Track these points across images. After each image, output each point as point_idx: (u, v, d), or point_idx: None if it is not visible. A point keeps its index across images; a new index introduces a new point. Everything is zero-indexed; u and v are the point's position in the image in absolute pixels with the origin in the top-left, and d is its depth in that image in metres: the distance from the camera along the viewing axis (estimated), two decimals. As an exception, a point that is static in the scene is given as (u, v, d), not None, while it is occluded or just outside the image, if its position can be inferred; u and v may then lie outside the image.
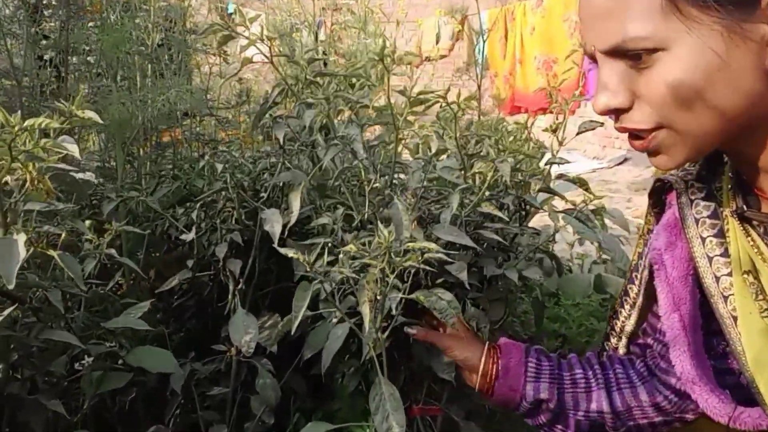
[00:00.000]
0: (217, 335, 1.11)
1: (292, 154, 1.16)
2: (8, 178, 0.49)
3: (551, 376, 0.82)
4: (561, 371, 0.82)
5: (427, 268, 0.76)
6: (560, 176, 1.25)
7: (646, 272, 0.77)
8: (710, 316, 0.69)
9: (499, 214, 1.00)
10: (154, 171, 1.31)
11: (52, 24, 1.31)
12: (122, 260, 0.78)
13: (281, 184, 1.15)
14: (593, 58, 0.62)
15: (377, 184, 1.03)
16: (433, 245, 0.71)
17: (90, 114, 0.61)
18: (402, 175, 1.15)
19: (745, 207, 0.66)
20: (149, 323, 0.98)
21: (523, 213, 1.22)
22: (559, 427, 0.81)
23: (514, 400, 0.81)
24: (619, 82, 0.59)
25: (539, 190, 1.21)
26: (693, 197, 0.71)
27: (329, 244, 0.95)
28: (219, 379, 1.07)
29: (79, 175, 0.67)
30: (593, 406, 0.79)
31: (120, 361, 0.87)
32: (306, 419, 1.11)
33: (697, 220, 0.70)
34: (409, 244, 0.71)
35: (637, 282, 0.80)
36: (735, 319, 0.65)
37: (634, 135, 0.61)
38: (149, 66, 1.47)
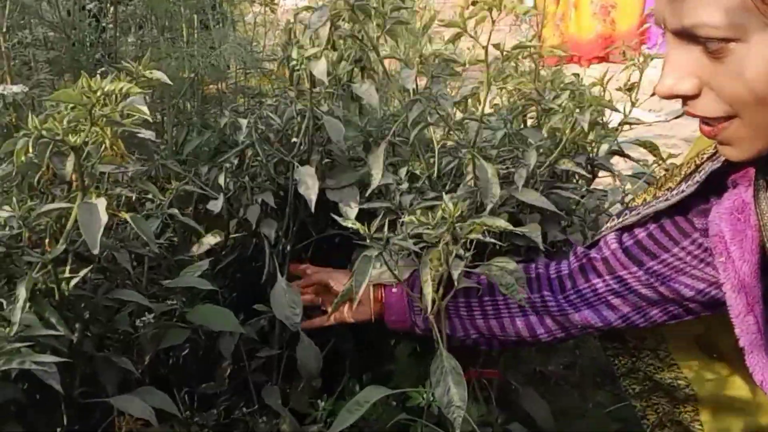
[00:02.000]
0: (262, 292, 1.13)
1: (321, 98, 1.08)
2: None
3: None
4: (455, 299, 0.90)
5: (492, 240, 0.76)
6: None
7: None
8: None
9: (581, 171, 0.98)
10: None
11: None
12: (185, 220, 0.79)
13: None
14: (663, 28, 0.60)
15: (450, 142, 1.01)
16: (501, 222, 0.70)
17: (158, 74, 0.61)
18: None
19: None
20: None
21: (590, 176, 1.20)
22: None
23: (407, 327, 0.93)
24: (688, 67, 0.57)
25: (610, 152, 1.18)
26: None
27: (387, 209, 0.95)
28: (266, 339, 1.09)
29: (141, 134, 0.68)
30: (495, 331, 0.90)
31: (175, 319, 0.90)
32: (356, 382, 1.13)
33: None
34: (474, 220, 0.70)
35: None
36: None
37: (704, 120, 0.60)
38: (195, 16, 1.47)
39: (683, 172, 0.79)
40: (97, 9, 1.33)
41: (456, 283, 0.81)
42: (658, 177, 0.99)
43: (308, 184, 0.94)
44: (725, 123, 0.58)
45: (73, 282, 0.58)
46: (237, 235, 1.07)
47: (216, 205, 0.97)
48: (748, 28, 0.52)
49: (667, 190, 0.81)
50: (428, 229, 0.74)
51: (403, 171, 1.04)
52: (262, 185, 1.04)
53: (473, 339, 0.92)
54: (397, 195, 0.95)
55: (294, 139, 1.04)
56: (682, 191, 0.76)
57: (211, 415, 0.98)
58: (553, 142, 1.04)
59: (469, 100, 1.31)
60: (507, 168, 1.03)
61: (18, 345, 0.49)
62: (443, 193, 1.03)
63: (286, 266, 1.06)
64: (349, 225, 0.79)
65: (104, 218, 0.49)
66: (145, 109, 0.57)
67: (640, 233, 0.83)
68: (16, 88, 0.69)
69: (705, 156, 0.76)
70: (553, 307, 0.87)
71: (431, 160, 1.02)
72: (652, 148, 1.24)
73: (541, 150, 1.01)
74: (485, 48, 0.88)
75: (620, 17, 3.96)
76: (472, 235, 0.75)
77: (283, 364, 1.08)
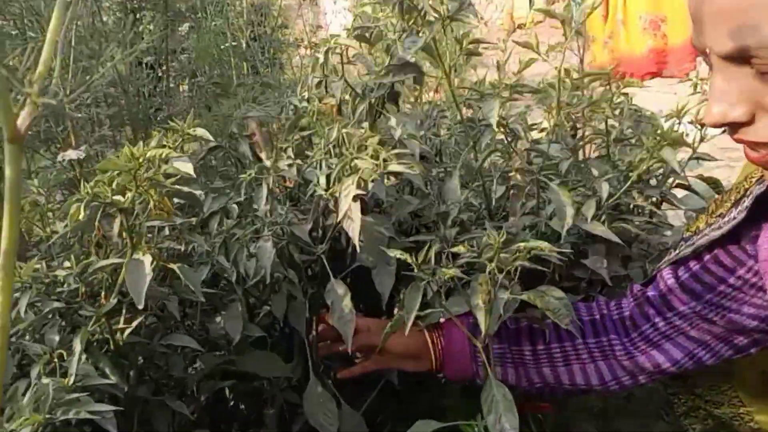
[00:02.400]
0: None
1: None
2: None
3: (501, 357, 0.89)
4: (520, 347, 0.89)
5: (537, 266, 0.76)
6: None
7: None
8: None
9: (651, 207, 0.96)
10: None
11: (150, 27, 1.39)
12: (228, 265, 0.83)
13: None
14: (704, 55, 0.58)
15: (518, 167, 1.00)
16: (545, 244, 0.70)
17: (201, 132, 0.65)
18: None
19: None
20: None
21: (659, 210, 1.17)
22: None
23: (470, 377, 0.90)
24: (740, 92, 0.55)
25: (677, 186, 1.15)
26: None
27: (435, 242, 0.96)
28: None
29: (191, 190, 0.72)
30: (563, 379, 0.88)
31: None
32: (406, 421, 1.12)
33: None
34: (521, 243, 0.71)
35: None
36: None
37: (752, 146, 0.58)
38: (243, 63, 1.54)
39: (732, 198, 0.78)
40: (153, 61, 1.42)
41: (502, 314, 0.82)
42: (708, 204, 0.97)
43: (343, 312, 0.85)
44: None
45: (126, 332, 0.62)
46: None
47: (235, 325, 0.85)
48: None
49: (719, 216, 0.80)
50: (474, 256, 0.75)
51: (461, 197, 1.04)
52: (287, 273, 0.90)
53: (537, 388, 0.90)
54: (442, 228, 0.96)
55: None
56: (733, 218, 0.75)
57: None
58: (620, 174, 1.02)
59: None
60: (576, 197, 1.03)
61: (76, 395, 0.52)
62: (500, 222, 1.04)
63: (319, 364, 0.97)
64: (397, 255, 0.79)
65: (149, 274, 0.53)
66: (189, 167, 0.60)
67: (695, 265, 0.81)
68: (73, 154, 0.75)
69: (753, 179, 0.75)
70: (619, 351, 0.86)
71: (488, 188, 1.02)
72: (715, 185, 1.20)
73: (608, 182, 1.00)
74: (558, 70, 0.89)
75: (672, 30, 3.88)
76: (519, 262, 0.75)
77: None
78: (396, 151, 0.81)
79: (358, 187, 0.78)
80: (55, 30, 0.25)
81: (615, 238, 0.90)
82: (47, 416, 0.51)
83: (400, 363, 0.95)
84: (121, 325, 0.61)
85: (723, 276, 0.78)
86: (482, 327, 0.76)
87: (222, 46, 1.44)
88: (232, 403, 1.05)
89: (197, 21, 1.41)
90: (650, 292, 0.86)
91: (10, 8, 1.02)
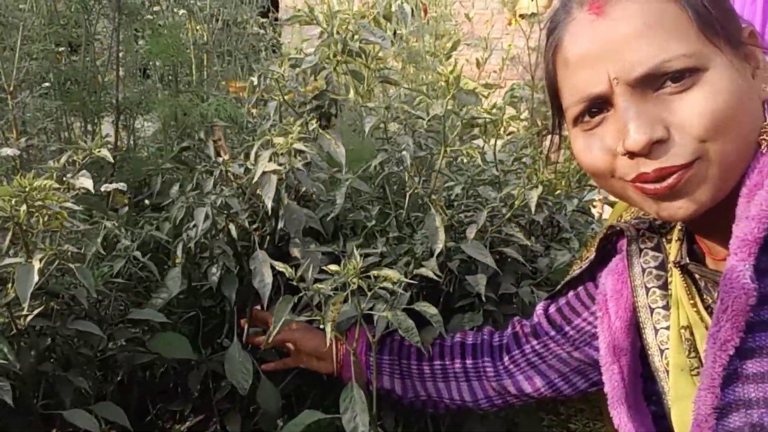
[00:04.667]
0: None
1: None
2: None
3: (390, 369, 1.01)
4: (408, 361, 1.01)
5: (413, 281, 0.90)
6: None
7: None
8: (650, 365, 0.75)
9: (521, 238, 1.10)
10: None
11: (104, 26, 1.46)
12: (146, 262, 0.97)
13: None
14: (596, 100, 0.62)
15: (418, 190, 1.14)
16: (396, 275, 0.83)
17: (104, 153, 0.79)
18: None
19: (687, 259, 0.71)
20: (183, 304, 1.18)
21: (556, 230, 1.31)
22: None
23: (366, 384, 0.99)
24: (653, 112, 0.59)
25: (575, 211, 1.28)
26: (643, 246, 0.76)
27: (336, 252, 1.10)
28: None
29: (105, 187, 0.86)
30: (443, 394, 1.01)
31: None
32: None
33: (644, 270, 0.76)
34: (375, 271, 0.84)
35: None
36: (668, 373, 0.71)
37: (662, 177, 0.60)
38: (203, 61, 1.65)
39: (598, 239, 0.88)
40: (107, 52, 1.50)
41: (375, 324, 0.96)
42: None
43: (264, 275, 1.00)
44: (689, 167, 0.59)
45: (28, 319, 0.77)
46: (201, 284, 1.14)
47: (173, 287, 1.05)
48: (708, 56, 0.58)
49: (587, 260, 0.90)
50: (337, 277, 0.88)
51: (376, 209, 1.19)
52: (223, 246, 1.08)
53: (422, 401, 1.05)
54: (341, 240, 1.10)
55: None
56: (587, 259, 0.88)
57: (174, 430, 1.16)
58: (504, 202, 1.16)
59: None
60: (466, 219, 1.17)
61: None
62: (406, 235, 1.18)
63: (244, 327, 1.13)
64: (279, 268, 0.93)
65: (36, 278, 0.67)
66: (88, 182, 0.74)
67: (562, 301, 0.95)
68: (9, 151, 0.88)
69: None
70: (491, 374, 1.00)
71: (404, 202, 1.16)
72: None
73: (495, 209, 1.13)
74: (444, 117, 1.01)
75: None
76: (385, 284, 0.89)
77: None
78: (302, 136, 0.97)
79: (273, 160, 0.95)
80: None
81: (490, 261, 1.04)
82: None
83: (310, 362, 1.10)
84: (24, 313, 0.75)
85: (579, 311, 0.92)
86: (327, 340, 0.86)
87: (180, 40, 1.55)
88: (155, 375, 1.19)
89: (154, 14, 1.52)
90: (525, 322, 1.00)
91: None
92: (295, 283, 0.89)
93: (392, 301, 0.98)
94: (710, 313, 0.67)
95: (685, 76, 0.58)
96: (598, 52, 0.61)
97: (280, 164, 0.97)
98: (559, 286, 0.95)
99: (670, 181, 0.59)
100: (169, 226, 1.10)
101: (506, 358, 0.99)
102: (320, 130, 1.13)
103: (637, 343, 0.77)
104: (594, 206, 1.37)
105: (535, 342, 0.96)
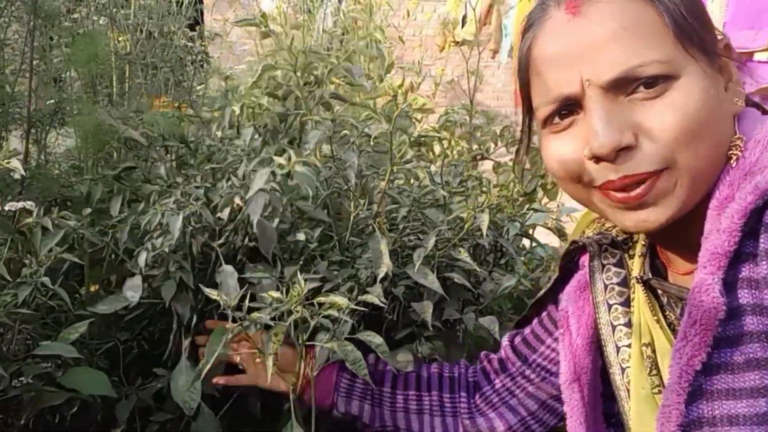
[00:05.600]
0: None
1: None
2: None
3: (363, 394, 0.95)
4: (381, 387, 0.96)
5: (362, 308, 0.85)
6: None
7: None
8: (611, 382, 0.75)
9: (469, 263, 1.06)
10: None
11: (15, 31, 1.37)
12: (56, 289, 0.87)
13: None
14: (567, 101, 0.61)
15: (362, 214, 1.10)
16: (344, 302, 0.78)
17: (15, 164, 0.71)
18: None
19: (650, 274, 0.71)
20: (100, 336, 1.09)
21: (499, 254, 1.30)
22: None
23: (327, 406, 0.95)
24: (623, 117, 0.59)
25: (518, 235, 1.27)
26: (605, 262, 0.76)
27: (273, 278, 1.04)
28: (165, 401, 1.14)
29: (10, 206, 0.77)
30: (413, 426, 0.94)
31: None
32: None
33: (606, 286, 0.75)
34: (320, 298, 0.79)
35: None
36: (629, 391, 0.71)
37: (629, 186, 0.59)
38: (127, 71, 1.56)
39: (562, 257, 0.87)
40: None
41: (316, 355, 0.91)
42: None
43: (230, 289, 0.97)
44: (658, 176, 0.58)
45: None
46: (147, 301, 1.09)
47: (133, 298, 1.01)
48: (681, 64, 0.58)
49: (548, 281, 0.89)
50: (279, 305, 0.82)
51: (317, 231, 1.14)
52: (182, 262, 1.05)
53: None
54: (279, 265, 1.04)
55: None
56: (552, 279, 0.85)
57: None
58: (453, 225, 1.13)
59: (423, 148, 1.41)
60: (410, 243, 1.13)
61: None
62: (349, 259, 1.13)
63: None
64: (214, 297, 0.86)
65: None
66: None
67: (527, 330, 0.92)
68: None
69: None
70: (464, 411, 0.95)
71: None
72: (559, 233, 1.32)
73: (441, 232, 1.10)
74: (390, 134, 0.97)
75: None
76: (330, 311, 0.84)
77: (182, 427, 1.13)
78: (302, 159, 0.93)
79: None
80: None
81: (437, 288, 1.00)
82: None
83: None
84: None
85: (543, 338, 0.89)
86: (268, 376, 0.81)
87: (104, 49, 1.46)
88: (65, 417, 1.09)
89: (74, 21, 1.42)
90: (492, 356, 0.97)
91: None
92: (229, 312, 0.82)
93: (335, 330, 0.93)
94: (673, 330, 0.67)
95: (659, 82, 0.58)
96: (572, 52, 0.60)
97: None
98: (525, 311, 0.92)
99: (638, 191, 0.59)
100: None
101: (477, 396, 0.95)
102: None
103: (598, 362, 0.76)
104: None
105: (503, 376, 0.93)
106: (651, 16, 0.59)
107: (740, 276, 0.57)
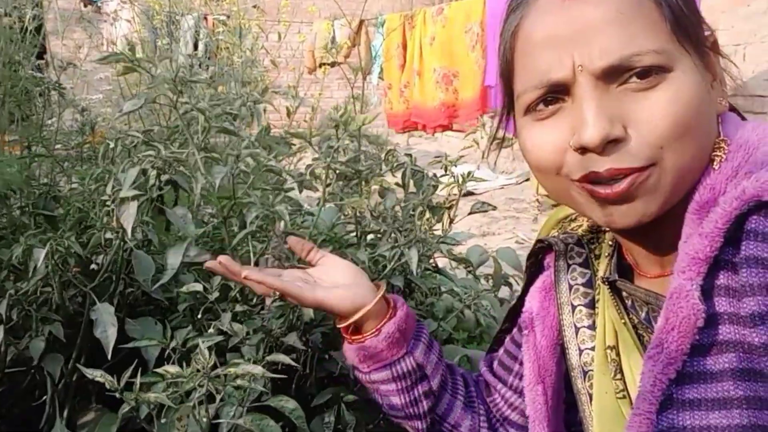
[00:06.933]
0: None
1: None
2: None
3: (439, 357, 0.84)
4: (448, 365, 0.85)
5: (260, 382, 0.75)
6: (469, 194, 1.26)
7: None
8: (573, 388, 0.71)
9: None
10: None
11: None
12: None
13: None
14: (555, 87, 0.59)
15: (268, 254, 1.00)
16: (259, 370, 0.69)
17: None
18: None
19: (616, 276, 0.68)
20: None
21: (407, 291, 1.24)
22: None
23: (390, 355, 0.77)
24: (614, 108, 0.57)
25: (428, 270, 1.23)
26: (571, 262, 0.73)
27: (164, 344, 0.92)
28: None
29: None
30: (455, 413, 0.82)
31: None
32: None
33: (570, 287, 0.72)
34: (231, 369, 0.69)
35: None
36: (591, 396, 0.68)
37: (613, 179, 0.57)
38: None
39: (527, 258, 0.82)
40: None
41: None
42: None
43: (106, 325, 0.88)
44: (640, 174, 0.56)
45: None
46: (14, 369, 1.00)
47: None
48: (676, 56, 0.57)
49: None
50: (183, 381, 0.71)
51: (216, 280, 1.01)
52: (50, 315, 0.97)
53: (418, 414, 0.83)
54: (168, 328, 0.92)
55: (93, 266, 1.00)
56: (516, 290, 0.80)
57: None
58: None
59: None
60: None
61: None
62: (257, 309, 1.02)
63: (69, 406, 0.99)
64: (97, 379, 0.74)
65: None
66: None
67: (500, 351, 0.85)
68: None
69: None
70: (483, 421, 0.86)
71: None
72: (466, 264, 1.30)
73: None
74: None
75: (462, 86, 4.24)
76: (239, 382, 0.73)
77: None
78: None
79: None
80: None
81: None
82: None
83: (326, 295, 0.77)
84: None
85: (516, 354, 0.82)
86: None
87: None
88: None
89: None
90: (476, 377, 0.89)
91: None
92: (117, 395, 0.70)
93: (243, 398, 0.83)
94: (638, 333, 0.65)
95: (652, 73, 0.56)
96: (565, 34, 0.57)
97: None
98: (501, 324, 0.86)
99: (623, 185, 0.57)
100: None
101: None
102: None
103: (562, 365, 0.73)
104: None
105: (488, 399, 0.87)
106: (649, 5, 0.57)
107: (717, 283, 0.55)
